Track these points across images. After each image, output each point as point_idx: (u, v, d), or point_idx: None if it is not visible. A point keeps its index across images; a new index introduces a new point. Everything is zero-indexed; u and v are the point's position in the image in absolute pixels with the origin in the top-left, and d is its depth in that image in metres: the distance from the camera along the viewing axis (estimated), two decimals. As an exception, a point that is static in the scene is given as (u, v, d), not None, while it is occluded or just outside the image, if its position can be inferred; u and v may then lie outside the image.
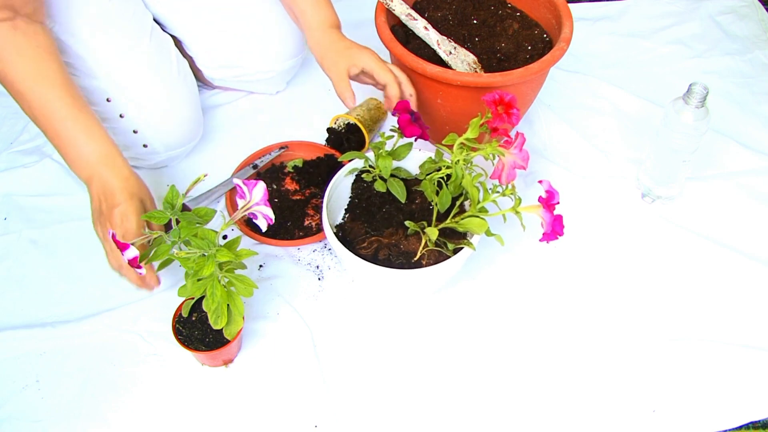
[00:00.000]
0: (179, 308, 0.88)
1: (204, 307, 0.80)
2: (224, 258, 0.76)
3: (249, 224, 1.04)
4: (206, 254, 0.76)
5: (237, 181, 0.76)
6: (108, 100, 1.02)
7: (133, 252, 0.75)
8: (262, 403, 0.87)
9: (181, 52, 1.16)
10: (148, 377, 0.89)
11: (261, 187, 0.76)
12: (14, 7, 0.84)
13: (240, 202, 0.77)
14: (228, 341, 0.85)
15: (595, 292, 0.99)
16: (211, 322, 0.80)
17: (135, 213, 0.86)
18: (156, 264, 0.83)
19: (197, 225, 0.77)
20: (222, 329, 0.83)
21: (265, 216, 0.77)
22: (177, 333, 0.86)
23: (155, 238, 0.79)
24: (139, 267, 0.76)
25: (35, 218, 1.06)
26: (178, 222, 0.77)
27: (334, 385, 0.88)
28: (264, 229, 0.77)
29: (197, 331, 0.86)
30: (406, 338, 0.93)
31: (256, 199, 0.76)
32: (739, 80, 1.33)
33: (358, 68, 0.98)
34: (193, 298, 0.84)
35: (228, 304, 0.80)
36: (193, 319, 0.86)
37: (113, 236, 0.76)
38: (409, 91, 1.00)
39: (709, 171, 1.15)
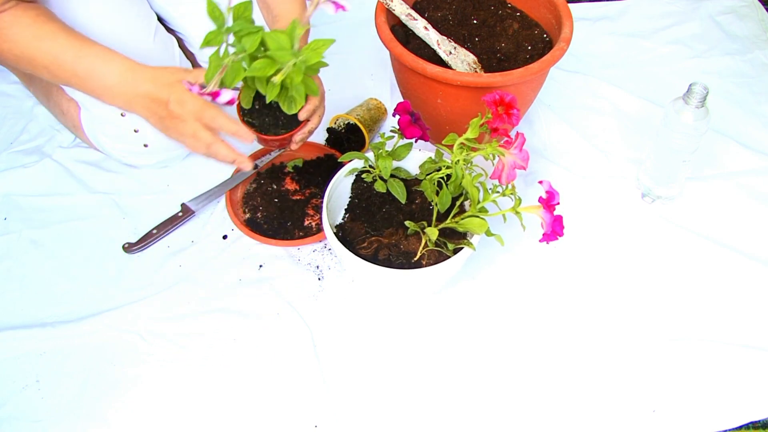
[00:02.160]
0: (238, 99, 0.84)
1: (274, 98, 0.78)
2: (315, 59, 0.72)
3: (249, 224, 1.04)
4: (294, 62, 0.72)
5: None
6: None
7: (228, 94, 0.70)
8: (262, 403, 0.87)
9: (183, 51, 1.16)
10: (148, 377, 0.89)
11: None
12: None
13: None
14: (302, 122, 0.85)
15: (595, 292, 0.99)
16: (284, 108, 0.79)
17: (184, 92, 0.83)
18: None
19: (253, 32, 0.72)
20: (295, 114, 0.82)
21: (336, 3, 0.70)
22: (249, 126, 0.86)
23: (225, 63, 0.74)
24: (232, 102, 0.72)
25: (35, 218, 1.06)
26: (232, 37, 0.72)
27: (334, 385, 0.88)
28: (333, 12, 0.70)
29: (267, 117, 0.85)
30: (406, 338, 0.93)
31: None
32: (739, 80, 1.33)
33: None
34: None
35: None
36: (257, 107, 0.85)
37: (198, 89, 0.70)
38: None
39: (709, 171, 1.15)
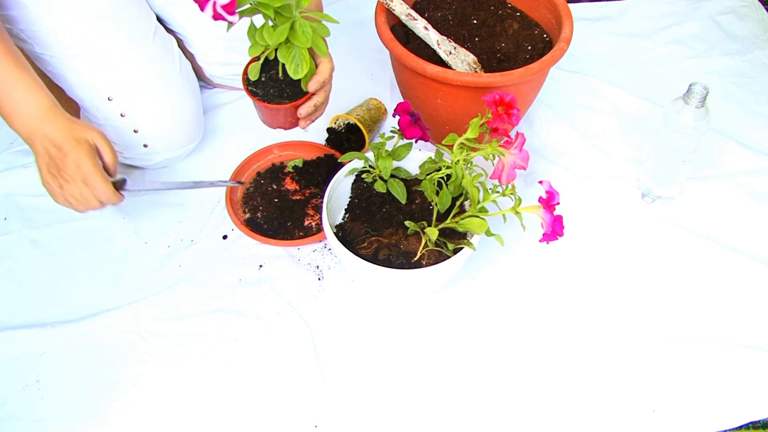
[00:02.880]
0: (245, 71, 0.86)
1: (280, 58, 0.77)
2: None
3: (249, 224, 1.04)
4: None
5: None
6: (109, 98, 1.02)
7: None
8: (262, 403, 0.87)
9: (183, 52, 1.16)
10: (148, 377, 0.89)
11: None
12: None
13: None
14: (307, 93, 0.85)
15: (595, 292, 0.99)
16: (290, 72, 0.78)
17: (87, 156, 0.86)
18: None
19: None
20: (299, 81, 0.81)
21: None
22: (253, 95, 0.86)
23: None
24: (233, 14, 0.68)
25: (35, 218, 1.06)
26: None
27: (334, 385, 0.88)
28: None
29: (272, 89, 0.85)
30: (406, 338, 0.93)
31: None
32: (739, 80, 1.33)
33: None
34: (258, 59, 0.81)
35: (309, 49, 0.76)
36: (263, 79, 0.85)
37: None
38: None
39: (709, 171, 1.15)
